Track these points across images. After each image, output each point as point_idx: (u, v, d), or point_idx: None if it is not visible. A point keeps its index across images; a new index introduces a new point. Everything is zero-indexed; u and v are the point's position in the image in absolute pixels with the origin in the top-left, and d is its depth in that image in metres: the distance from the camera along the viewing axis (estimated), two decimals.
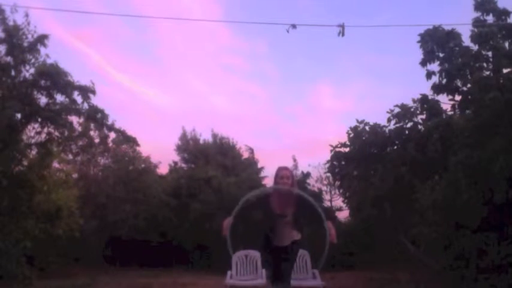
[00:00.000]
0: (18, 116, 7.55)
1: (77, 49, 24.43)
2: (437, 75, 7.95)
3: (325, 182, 16.32)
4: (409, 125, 9.32)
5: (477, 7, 7.54)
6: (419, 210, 8.01)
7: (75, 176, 12.73)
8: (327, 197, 16.53)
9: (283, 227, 3.96)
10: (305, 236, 4.12)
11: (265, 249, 4.14)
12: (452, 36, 7.84)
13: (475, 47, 7.59)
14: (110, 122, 8.14)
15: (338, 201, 15.80)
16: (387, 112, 9.47)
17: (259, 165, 16.99)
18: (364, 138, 9.97)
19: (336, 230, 3.80)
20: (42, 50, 7.66)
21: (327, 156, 10.66)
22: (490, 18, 7.55)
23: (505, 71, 7.20)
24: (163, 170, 16.45)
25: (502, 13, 7.42)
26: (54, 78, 7.48)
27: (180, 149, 17.28)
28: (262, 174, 16.83)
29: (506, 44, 7.44)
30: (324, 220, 3.75)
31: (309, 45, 28.86)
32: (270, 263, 4.08)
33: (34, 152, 8.36)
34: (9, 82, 7.54)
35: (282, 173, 4.04)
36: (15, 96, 7.31)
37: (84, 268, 11.39)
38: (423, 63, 8.07)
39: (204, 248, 14.54)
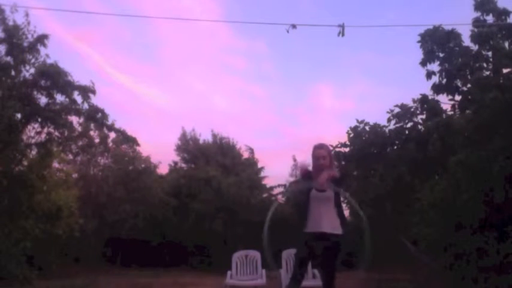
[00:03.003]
0: (18, 116, 7.54)
1: (77, 49, 24.46)
2: (437, 75, 7.95)
3: None
4: (409, 125, 9.32)
5: (477, 7, 7.54)
6: (419, 210, 8.01)
7: (75, 176, 12.73)
8: None
9: (323, 205, 3.56)
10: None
11: (301, 237, 3.57)
12: (452, 36, 7.84)
13: (475, 47, 7.58)
14: (110, 122, 8.15)
15: None
16: (387, 112, 9.48)
17: (259, 165, 16.99)
18: (364, 138, 9.97)
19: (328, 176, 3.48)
20: (42, 50, 7.67)
21: None
22: (489, 18, 7.55)
23: (505, 71, 7.18)
24: (163, 170, 16.48)
25: (502, 13, 7.42)
26: (54, 78, 7.48)
27: (180, 149, 17.28)
28: (262, 174, 16.86)
29: (506, 44, 7.44)
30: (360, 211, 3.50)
31: (309, 45, 28.87)
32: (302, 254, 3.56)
33: (34, 152, 8.36)
34: (9, 82, 7.54)
35: (317, 153, 3.68)
36: (15, 96, 7.31)
37: (84, 268, 11.39)
38: (423, 63, 8.06)
39: (204, 248, 14.56)
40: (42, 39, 7.61)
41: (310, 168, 3.77)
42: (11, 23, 7.49)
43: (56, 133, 7.98)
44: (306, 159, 3.78)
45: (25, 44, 7.54)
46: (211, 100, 27.43)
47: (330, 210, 3.58)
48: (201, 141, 17.46)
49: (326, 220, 3.54)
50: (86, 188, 12.93)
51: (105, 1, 25.61)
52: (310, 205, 3.60)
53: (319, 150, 3.72)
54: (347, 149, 10.32)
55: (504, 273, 6.19)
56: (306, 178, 3.72)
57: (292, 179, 15.80)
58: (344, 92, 29.61)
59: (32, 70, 7.61)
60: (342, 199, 3.66)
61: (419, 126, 9.16)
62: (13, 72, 7.54)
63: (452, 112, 8.38)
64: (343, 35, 5.42)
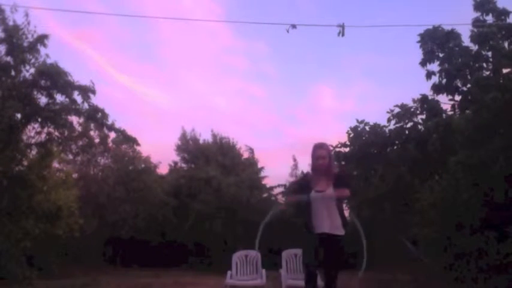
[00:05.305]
0: (18, 116, 7.53)
1: (77, 49, 24.47)
2: (437, 75, 7.97)
3: None
4: (409, 125, 9.33)
5: (477, 7, 7.55)
6: (419, 210, 8.01)
7: (75, 176, 12.72)
8: None
9: (324, 205, 3.57)
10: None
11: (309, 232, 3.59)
12: (452, 36, 7.85)
13: (474, 47, 7.60)
14: (109, 121, 8.13)
15: None
16: (387, 112, 9.50)
17: (259, 165, 16.98)
18: (364, 138, 9.98)
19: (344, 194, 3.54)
20: (42, 50, 7.64)
21: None
22: (489, 18, 7.57)
23: (504, 71, 7.19)
24: (163, 170, 16.47)
25: (502, 13, 7.43)
26: (54, 78, 7.47)
27: (180, 149, 17.27)
28: (262, 174, 16.85)
29: (506, 44, 7.45)
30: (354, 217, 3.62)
31: (309, 45, 28.88)
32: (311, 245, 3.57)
33: (34, 152, 8.35)
34: (9, 82, 7.53)
35: (318, 153, 3.66)
36: (15, 96, 7.30)
37: (84, 268, 11.38)
38: (423, 63, 8.08)
39: (204, 247, 14.56)
40: (42, 39, 7.60)
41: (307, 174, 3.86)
42: (11, 23, 7.48)
43: (56, 133, 7.97)
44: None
45: (25, 44, 7.53)
46: (211, 100, 27.49)
47: (332, 210, 3.58)
48: (201, 141, 17.46)
49: (328, 220, 3.55)
50: (86, 188, 12.91)
51: (105, 1, 25.63)
52: (312, 206, 3.58)
53: (319, 150, 3.69)
54: (347, 149, 10.33)
55: (504, 273, 6.19)
56: (304, 183, 3.76)
57: (292, 179, 15.81)
58: (344, 92, 29.71)
59: (32, 70, 7.60)
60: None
61: (419, 126, 9.17)
62: (13, 72, 7.53)
63: (452, 112, 8.40)
64: (343, 35, 5.41)
